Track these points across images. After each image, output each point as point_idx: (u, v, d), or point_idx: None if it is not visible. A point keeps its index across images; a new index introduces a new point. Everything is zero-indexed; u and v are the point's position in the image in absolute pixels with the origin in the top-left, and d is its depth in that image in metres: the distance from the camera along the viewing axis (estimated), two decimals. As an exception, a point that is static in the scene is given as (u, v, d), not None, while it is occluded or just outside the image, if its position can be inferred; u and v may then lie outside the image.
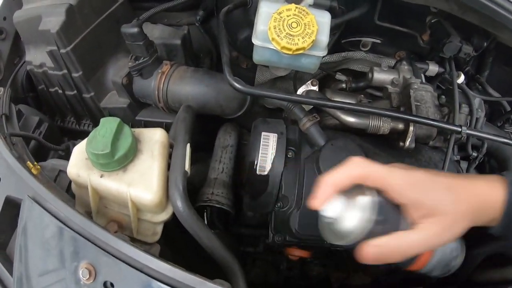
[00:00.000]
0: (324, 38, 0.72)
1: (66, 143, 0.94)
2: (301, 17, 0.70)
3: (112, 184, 0.64)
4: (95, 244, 0.54)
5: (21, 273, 0.61)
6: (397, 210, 0.50)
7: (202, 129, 1.02)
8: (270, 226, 0.79)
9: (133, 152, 0.65)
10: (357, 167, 0.50)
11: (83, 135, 0.96)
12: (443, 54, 0.85)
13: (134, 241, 0.68)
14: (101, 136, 0.62)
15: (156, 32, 0.91)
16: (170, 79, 0.83)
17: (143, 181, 0.64)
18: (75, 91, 0.87)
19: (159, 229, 0.71)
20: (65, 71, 0.84)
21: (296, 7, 0.71)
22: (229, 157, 0.91)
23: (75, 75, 0.84)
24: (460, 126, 0.71)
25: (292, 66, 0.79)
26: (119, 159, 0.63)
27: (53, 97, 0.95)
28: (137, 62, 0.81)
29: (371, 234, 0.49)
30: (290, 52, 0.69)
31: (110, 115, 0.90)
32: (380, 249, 0.48)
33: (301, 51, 0.70)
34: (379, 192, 0.50)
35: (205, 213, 0.86)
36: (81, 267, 0.54)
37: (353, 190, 0.50)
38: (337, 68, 1.08)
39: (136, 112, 0.90)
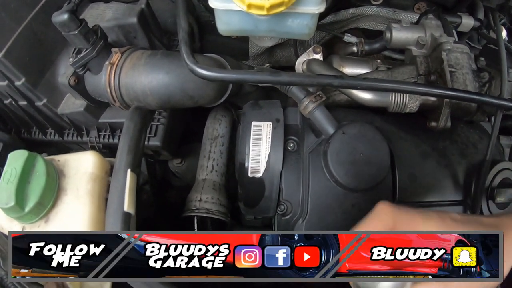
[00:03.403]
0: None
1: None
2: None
3: None
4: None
5: None
6: None
7: (195, 116, 0.86)
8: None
9: (52, 195, 0.51)
10: (386, 217, 0.44)
11: (51, 145, 0.82)
12: (487, 2, 0.65)
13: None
14: (5, 182, 0.47)
15: (108, 13, 0.72)
16: (122, 70, 0.64)
17: None
18: (26, 101, 0.72)
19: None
20: (7, 81, 0.69)
21: None
22: (219, 150, 0.75)
23: (18, 83, 0.67)
24: (512, 101, 0.54)
25: (276, 33, 0.57)
26: (32, 211, 0.48)
27: (10, 110, 0.79)
28: (78, 56, 0.63)
29: None
30: (264, 12, 0.48)
31: (71, 122, 0.73)
32: None
33: (281, 9, 0.48)
34: None
35: (195, 223, 0.71)
36: None
37: None
38: (345, 28, 0.89)
39: (99, 114, 0.73)
